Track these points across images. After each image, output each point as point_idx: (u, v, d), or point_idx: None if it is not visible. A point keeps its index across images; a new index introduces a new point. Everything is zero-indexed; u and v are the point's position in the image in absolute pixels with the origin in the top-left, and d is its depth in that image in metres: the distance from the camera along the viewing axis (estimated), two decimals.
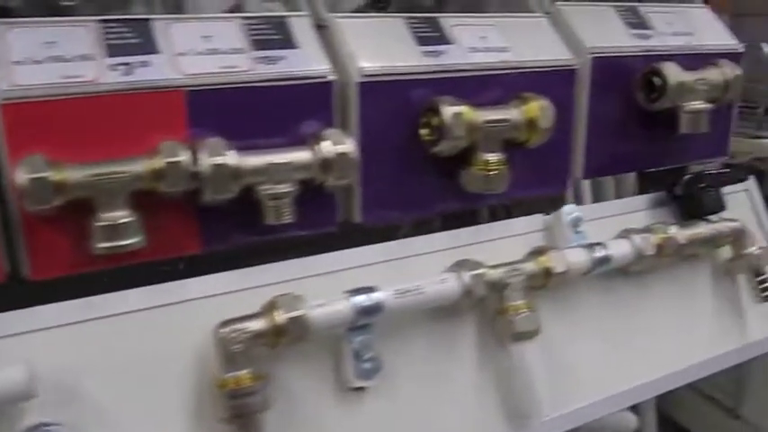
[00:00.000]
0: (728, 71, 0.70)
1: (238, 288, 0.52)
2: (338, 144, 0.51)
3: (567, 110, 0.66)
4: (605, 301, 0.65)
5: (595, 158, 0.69)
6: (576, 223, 0.62)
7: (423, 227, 0.79)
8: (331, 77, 0.54)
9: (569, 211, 0.63)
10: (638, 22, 0.72)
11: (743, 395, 1.05)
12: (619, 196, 0.97)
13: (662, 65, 0.66)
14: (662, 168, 0.75)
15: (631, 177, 1.01)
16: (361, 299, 0.50)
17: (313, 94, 0.53)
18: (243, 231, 0.53)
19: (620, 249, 0.62)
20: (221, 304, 0.50)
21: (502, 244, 0.62)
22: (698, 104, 0.69)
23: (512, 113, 0.58)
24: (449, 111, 0.55)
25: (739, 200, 0.78)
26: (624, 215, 0.70)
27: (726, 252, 0.72)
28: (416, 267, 0.57)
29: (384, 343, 0.54)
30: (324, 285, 0.53)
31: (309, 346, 0.51)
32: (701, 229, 0.67)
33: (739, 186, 0.79)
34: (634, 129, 0.71)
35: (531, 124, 0.59)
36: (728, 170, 0.73)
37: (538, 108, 0.58)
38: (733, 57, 0.75)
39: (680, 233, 0.65)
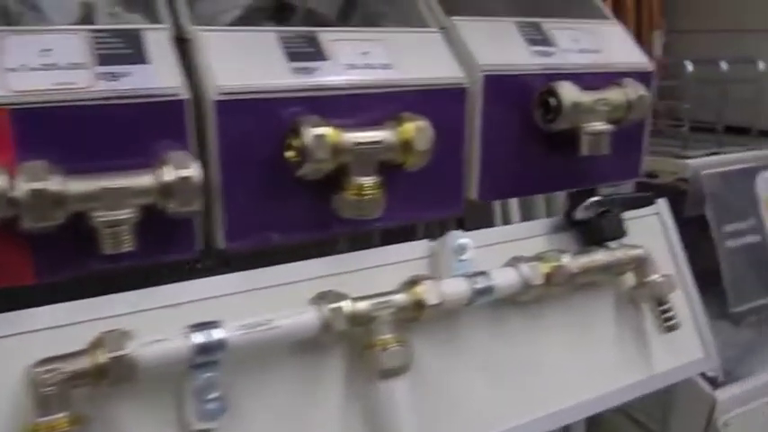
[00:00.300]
0: (632, 91, 0.67)
1: (72, 321, 0.48)
2: (181, 168, 0.47)
3: (457, 130, 0.63)
4: (494, 332, 0.62)
5: (492, 180, 0.66)
6: (460, 251, 0.59)
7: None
8: (183, 95, 0.50)
9: (454, 237, 0.59)
10: (540, 39, 0.69)
11: (669, 420, 1.02)
12: (550, 215, 0.95)
13: (557, 84, 0.63)
14: (571, 190, 0.72)
15: (562, 196, 0.98)
16: (200, 336, 0.46)
17: (161, 113, 0.50)
18: (81, 261, 0.49)
19: (505, 279, 0.58)
20: (50, 340, 0.46)
21: (381, 272, 0.59)
22: (598, 126, 0.66)
23: (386, 135, 0.55)
24: (310, 132, 0.51)
25: (649, 224, 0.75)
26: (523, 240, 0.67)
27: (630, 280, 0.69)
28: (281, 298, 0.54)
29: (237, 379, 0.50)
30: (173, 318, 0.49)
31: (149, 385, 0.47)
32: (598, 257, 0.64)
33: (650, 210, 0.76)
34: (534, 150, 0.68)
35: (406, 146, 0.55)
36: (632, 194, 0.70)
37: (414, 129, 0.55)
38: (643, 75, 0.73)
39: (573, 261, 0.62)
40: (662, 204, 0.76)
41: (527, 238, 0.67)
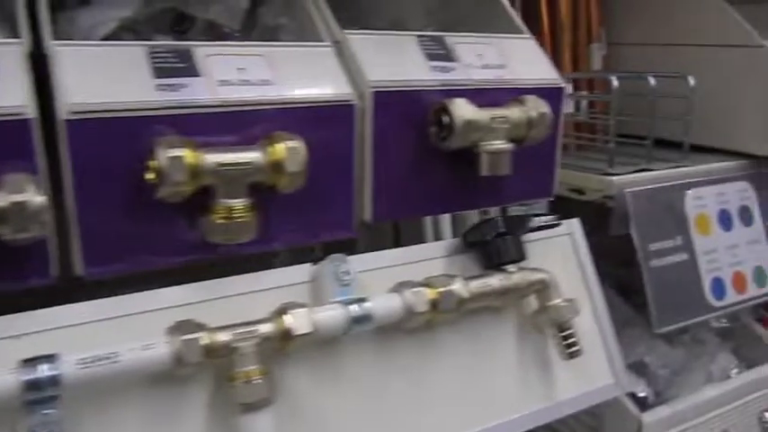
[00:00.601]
0: (533, 108, 0.65)
1: None
2: (15, 192, 0.45)
3: (345, 149, 0.60)
4: (382, 361, 0.59)
5: (387, 201, 0.64)
6: (341, 275, 0.56)
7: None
8: (28, 115, 0.47)
9: (334, 261, 0.57)
10: (440, 54, 0.66)
11: None
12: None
13: (449, 102, 0.61)
14: (473, 210, 0.69)
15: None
16: (30, 372, 0.43)
17: (5, 132, 0.47)
18: None
19: (386, 306, 0.56)
20: None
21: (256, 298, 0.56)
22: (498, 144, 0.64)
23: (255, 156, 0.52)
24: (165, 154, 0.49)
25: (560, 245, 0.73)
26: (423, 263, 0.64)
27: (533, 304, 0.66)
28: (137, 327, 0.51)
29: (84, 416, 0.47)
30: (12, 350, 0.46)
31: None
32: (493, 281, 0.62)
33: (562, 230, 0.73)
34: (433, 169, 0.65)
35: (276, 167, 0.53)
36: (534, 214, 0.67)
37: (284, 150, 0.52)
38: (553, 91, 0.70)
39: (463, 287, 0.59)
40: (574, 225, 0.73)
41: (427, 260, 0.65)
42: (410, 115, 0.63)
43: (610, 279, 1.09)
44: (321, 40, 0.63)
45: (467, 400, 0.63)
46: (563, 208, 0.89)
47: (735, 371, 1.05)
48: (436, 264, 0.65)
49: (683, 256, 0.91)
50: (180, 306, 0.53)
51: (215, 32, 0.73)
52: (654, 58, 1.13)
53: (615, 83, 0.89)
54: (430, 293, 0.57)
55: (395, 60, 0.64)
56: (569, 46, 1.07)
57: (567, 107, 1.09)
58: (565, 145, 1.06)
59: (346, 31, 0.64)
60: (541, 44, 1.06)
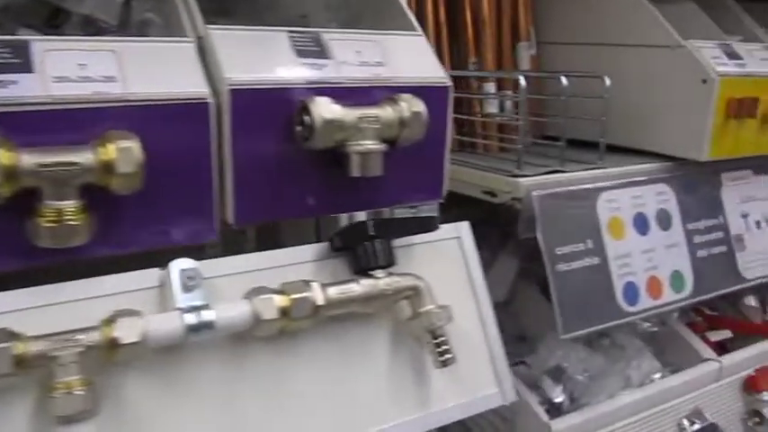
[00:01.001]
0: (406, 107, 0.62)
1: None
2: None
3: (200, 149, 0.58)
4: (232, 371, 0.57)
5: (250, 203, 0.61)
6: (187, 280, 0.54)
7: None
8: None
9: (179, 266, 0.54)
10: (313, 51, 0.64)
11: None
12: None
13: (310, 100, 0.59)
14: (349, 213, 0.67)
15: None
16: None
17: None
18: None
19: (231, 314, 0.53)
20: None
21: (97, 303, 0.53)
22: (368, 144, 0.61)
23: (84, 157, 0.50)
24: None
25: (447, 249, 0.71)
26: (290, 267, 0.62)
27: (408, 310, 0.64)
28: None
29: None
30: None
31: None
32: (356, 287, 0.59)
33: (450, 234, 0.71)
34: (303, 171, 0.63)
35: (107, 168, 0.50)
36: (408, 218, 0.65)
37: (115, 150, 0.50)
38: (438, 91, 0.68)
39: (320, 293, 0.57)
40: (463, 228, 0.71)
41: (294, 264, 0.62)
42: (274, 114, 0.60)
43: (539, 281, 1.07)
44: (185, 36, 0.61)
45: (331, 409, 0.61)
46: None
47: (658, 376, 1.04)
48: (304, 268, 0.62)
49: (594, 261, 0.88)
50: (7, 313, 0.50)
51: (93, 27, 0.70)
52: (581, 58, 1.11)
53: (523, 82, 0.87)
54: (281, 300, 0.55)
55: (260, 57, 0.61)
56: (491, 45, 1.05)
57: (491, 107, 1.07)
58: (486, 147, 1.05)
59: (210, 26, 0.61)
60: (464, 42, 1.05)
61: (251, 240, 0.90)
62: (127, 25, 0.70)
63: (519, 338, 1.12)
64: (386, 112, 0.62)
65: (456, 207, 0.96)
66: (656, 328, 1.11)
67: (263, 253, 0.62)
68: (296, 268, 0.62)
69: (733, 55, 0.99)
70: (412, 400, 0.64)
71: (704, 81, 0.95)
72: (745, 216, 1.06)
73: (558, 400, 0.97)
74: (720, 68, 0.95)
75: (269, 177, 0.61)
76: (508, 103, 1.08)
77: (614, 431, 0.92)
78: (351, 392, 0.62)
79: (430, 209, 0.74)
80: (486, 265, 1.17)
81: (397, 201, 0.69)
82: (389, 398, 0.64)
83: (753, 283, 1.06)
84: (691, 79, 0.96)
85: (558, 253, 0.86)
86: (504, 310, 1.13)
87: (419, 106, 0.63)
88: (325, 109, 0.58)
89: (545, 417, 0.89)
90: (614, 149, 1.04)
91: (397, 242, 0.67)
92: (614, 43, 1.05)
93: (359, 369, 0.63)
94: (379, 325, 0.64)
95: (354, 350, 0.63)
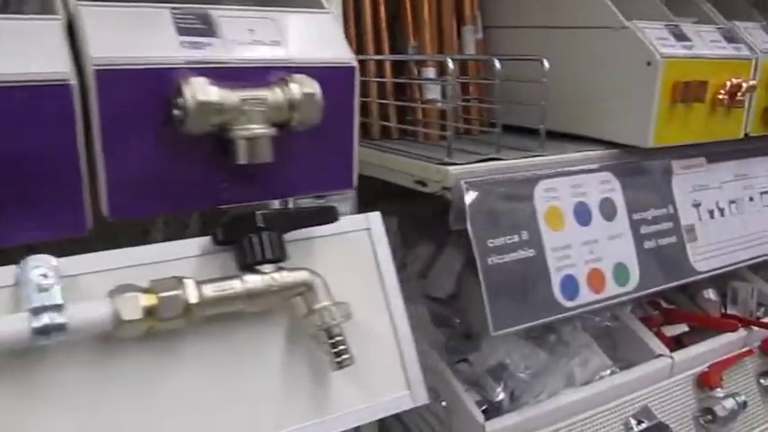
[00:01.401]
0: (297, 89, 0.58)
1: None
2: None
3: (63, 135, 0.53)
4: (97, 374, 0.52)
5: (126, 195, 0.57)
6: (40, 279, 0.49)
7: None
8: None
9: (35, 262, 0.49)
10: (197, 29, 0.59)
11: None
12: None
13: (184, 81, 0.54)
14: (244, 204, 0.62)
15: None
16: None
17: None
18: None
19: (84, 315, 0.49)
20: None
21: None
22: (254, 129, 0.57)
23: None
24: None
25: (356, 241, 0.66)
26: (169, 263, 0.57)
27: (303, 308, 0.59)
28: None
29: None
30: None
31: None
32: (236, 284, 0.55)
33: (359, 224, 0.67)
34: (187, 159, 0.58)
35: None
36: (300, 209, 0.61)
37: None
38: (341, 71, 0.64)
39: (193, 291, 0.52)
40: (373, 219, 0.67)
41: (178, 259, 0.58)
42: (149, 98, 0.56)
43: None
44: (54, 13, 0.56)
45: (216, 415, 0.56)
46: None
47: (606, 373, 0.99)
48: (189, 263, 0.58)
49: (529, 253, 0.84)
50: None
51: None
52: (528, 42, 1.07)
53: (451, 65, 0.82)
54: (147, 299, 0.50)
55: (136, 36, 0.57)
56: (431, 28, 1.00)
57: (432, 93, 1.02)
58: (427, 135, 1.00)
59: (82, 2, 0.56)
60: (404, 25, 1.00)
61: (193, 225, 0.86)
62: (8, 3, 0.65)
63: (466, 335, 1.08)
64: (275, 94, 0.57)
65: (403, 199, 0.92)
66: (608, 323, 1.07)
67: (142, 247, 0.57)
68: (180, 264, 0.57)
69: (681, 36, 0.95)
70: (310, 405, 0.60)
71: (648, 63, 0.90)
72: (697, 205, 1.02)
73: (498, 399, 0.93)
74: (665, 50, 0.91)
75: (147, 167, 0.57)
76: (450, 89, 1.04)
77: (556, 431, 0.88)
78: (239, 396, 0.57)
79: (341, 198, 0.69)
80: (433, 259, 1.14)
81: (299, 191, 0.64)
82: (284, 402, 0.59)
83: (705, 275, 1.01)
84: (635, 62, 0.92)
85: (490, 245, 0.82)
86: (450, 305, 1.08)
87: (312, 87, 0.59)
88: (199, 90, 0.53)
89: (480, 417, 0.85)
90: (561, 137, 1.00)
91: (300, 235, 0.63)
92: (559, 26, 1.01)
93: (250, 371, 0.58)
94: (275, 323, 0.59)
95: (245, 351, 0.58)
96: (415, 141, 1.01)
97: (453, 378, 0.90)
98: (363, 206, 0.95)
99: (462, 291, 1.06)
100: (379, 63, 1.01)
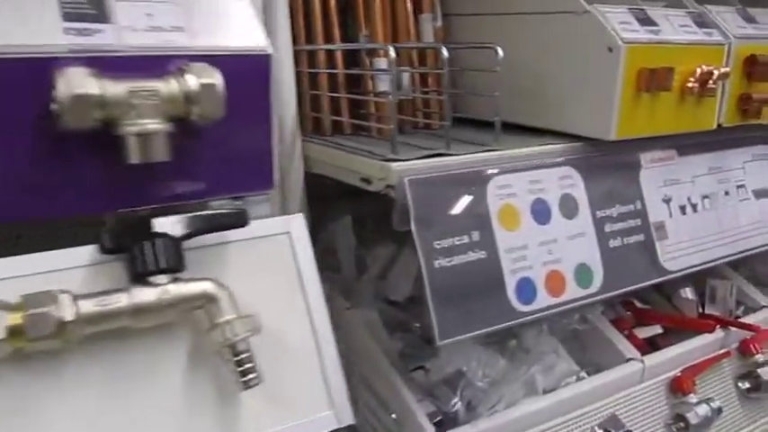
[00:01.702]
0: (193, 79, 0.52)
1: None
2: None
3: None
4: None
5: (5, 198, 0.51)
6: None
7: None
8: None
9: None
10: (86, 14, 0.54)
11: None
12: None
13: (58, 72, 0.48)
14: (146, 207, 0.57)
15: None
16: None
17: None
18: None
19: None
20: None
21: None
22: (146, 124, 0.51)
23: None
24: None
25: (275, 246, 0.60)
26: (56, 273, 0.52)
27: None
28: None
29: None
30: None
31: None
32: (122, 298, 0.49)
33: (278, 228, 0.61)
34: (72, 158, 0.53)
35: None
36: (206, 213, 0.55)
37: None
38: (255, 60, 0.58)
39: (69, 307, 0.46)
40: (294, 222, 0.61)
41: (62, 270, 0.52)
42: (25, 91, 0.50)
43: None
44: None
45: None
46: None
47: (573, 379, 0.93)
48: (76, 274, 0.52)
49: (480, 255, 0.78)
50: None
51: None
52: (488, 30, 1.01)
53: (392, 54, 0.76)
54: (11, 318, 0.45)
55: (13, 22, 0.51)
56: (382, 16, 0.94)
57: (385, 85, 0.96)
58: (380, 130, 0.94)
59: None
60: (356, 13, 0.94)
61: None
62: None
63: (427, 340, 1.02)
64: (169, 85, 0.52)
65: (368, 197, 0.86)
66: (577, 326, 1.01)
67: (23, 257, 0.51)
68: (66, 275, 0.52)
69: (646, 21, 0.89)
70: (216, 428, 0.54)
71: (610, 49, 0.84)
72: (667, 201, 0.96)
73: (453, 410, 0.87)
74: (628, 35, 0.84)
75: (23, 167, 0.51)
76: (405, 81, 0.98)
77: None
78: (135, 420, 0.52)
79: (262, 200, 0.64)
80: (393, 260, 1.08)
81: (208, 193, 0.59)
82: (186, 425, 0.53)
83: (677, 274, 0.95)
84: (596, 48, 0.85)
85: (437, 247, 0.76)
86: (409, 309, 1.03)
87: (212, 78, 0.53)
88: (76, 81, 0.48)
89: (431, 429, 0.79)
90: (522, 130, 0.94)
91: (210, 240, 0.57)
92: (520, 11, 0.95)
93: (147, 393, 0.52)
94: (177, 339, 0.54)
95: (141, 371, 0.53)
96: (369, 137, 0.95)
97: (404, 388, 0.84)
98: (319, 205, 0.90)
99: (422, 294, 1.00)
100: (330, 54, 0.95)
